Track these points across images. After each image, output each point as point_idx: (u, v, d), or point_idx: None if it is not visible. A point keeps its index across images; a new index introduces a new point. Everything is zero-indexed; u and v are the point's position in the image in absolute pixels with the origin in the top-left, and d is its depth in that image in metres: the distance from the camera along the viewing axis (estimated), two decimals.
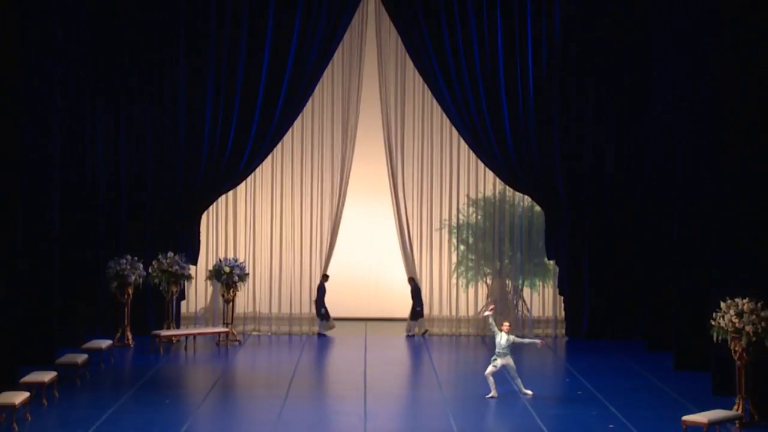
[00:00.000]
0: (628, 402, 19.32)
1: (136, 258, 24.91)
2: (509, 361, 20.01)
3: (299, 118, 27.16)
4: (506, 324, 20.49)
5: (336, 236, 27.27)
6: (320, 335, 26.66)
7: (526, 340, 21.26)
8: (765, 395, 18.07)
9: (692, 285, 21.81)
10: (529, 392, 19.91)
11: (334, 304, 27.01)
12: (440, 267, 27.53)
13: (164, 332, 24.94)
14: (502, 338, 20.01)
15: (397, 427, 18.29)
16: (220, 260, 25.95)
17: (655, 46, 25.25)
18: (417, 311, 26.78)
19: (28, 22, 21.38)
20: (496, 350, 20.08)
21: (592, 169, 26.77)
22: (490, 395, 19.70)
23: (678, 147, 23.01)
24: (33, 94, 21.95)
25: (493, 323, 20.22)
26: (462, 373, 23.21)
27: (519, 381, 20.05)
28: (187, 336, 25.04)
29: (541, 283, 27.75)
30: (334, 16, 26.49)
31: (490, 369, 19.99)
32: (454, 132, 27.21)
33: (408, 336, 26.67)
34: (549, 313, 27.53)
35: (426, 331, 26.90)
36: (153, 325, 25.90)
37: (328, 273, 27.04)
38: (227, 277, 25.20)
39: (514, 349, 19.94)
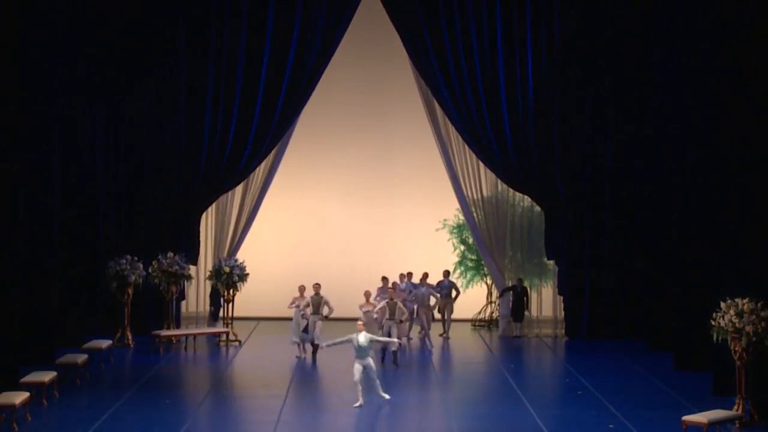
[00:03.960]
0: (628, 402, 19.31)
1: (136, 258, 24.91)
2: (369, 362, 19.30)
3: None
4: (360, 323, 19.95)
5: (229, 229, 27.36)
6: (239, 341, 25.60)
7: (384, 339, 20.63)
8: (765, 395, 18.06)
9: (692, 285, 21.80)
10: (387, 396, 19.26)
11: (334, 304, 26.98)
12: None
13: (164, 332, 24.94)
14: (360, 338, 19.26)
15: (397, 427, 18.28)
16: (220, 260, 25.97)
17: (655, 46, 25.25)
18: (519, 313, 26.65)
19: (27, 22, 21.37)
20: (356, 353, 19.31)
21: (592, 169, 26.77)
22: (357, 404, 18.83)
23: (678, 147, 23.01)
24: (32, 94, 21.93)
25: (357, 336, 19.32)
26: (462, 372, 23.18)
27: (378, 383, 19.29)
28: (187, 336, 25.04)
29: (540, 283, 27.79)
30: (334, 16, 26.50)
31: (357, 376, 19.12)
32: (455, 132, 27.24)
33: (512, 337, 26.48)
34: (549, 313, 27.53)
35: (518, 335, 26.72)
36: (153, 325, 25.90)
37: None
38: (227, 277, 25.20)
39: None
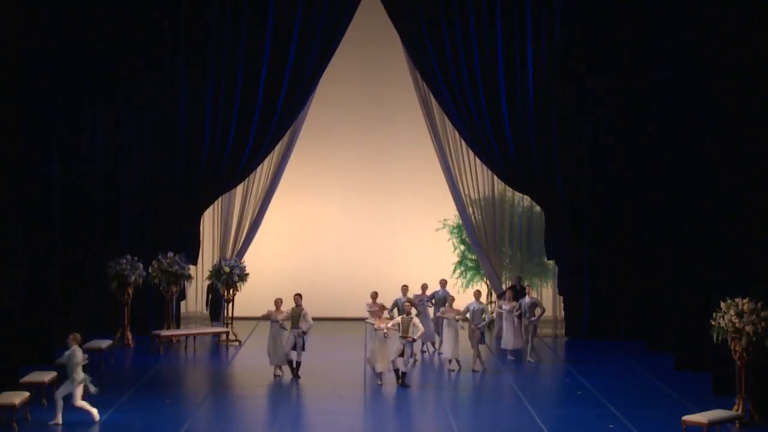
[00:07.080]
0: (628, 402, 19.33)
1: (136, 258, 24.92)
2: (80, 376, 17.60)
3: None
4: (74, 336, 18.00)
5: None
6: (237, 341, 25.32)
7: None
8: (765, 395, 18.08)
9: (692, 285, 21.81)
10: (96, 416, 17.72)
11: (334, 304, 27.01)
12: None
13: (164, 332, 24.94)
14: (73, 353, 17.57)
15: (396, 427, 18.29)
16: (220, 260, 25.97)
17: (656, 46, 25.25)
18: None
19: (27, 21, 21.38)
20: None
21: (592, 169, 26.77)
22: (53, 422, 17.38)
23: (678, 147, 23.02)
24: (33, 93, 21.95)
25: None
26: (461, 372, 23.15)
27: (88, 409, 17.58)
28: (187, 336, 25.04)
29: (540, 283, 27.78)
30: (334, 16, 26.50)
31: (63, 391, 17.53)
32: (454, 132, 27.23)
33: None
34: (549, 313, 27.50)
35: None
36: (153, 325, 25.89)
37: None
38: (227, 277, 25.19)
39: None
